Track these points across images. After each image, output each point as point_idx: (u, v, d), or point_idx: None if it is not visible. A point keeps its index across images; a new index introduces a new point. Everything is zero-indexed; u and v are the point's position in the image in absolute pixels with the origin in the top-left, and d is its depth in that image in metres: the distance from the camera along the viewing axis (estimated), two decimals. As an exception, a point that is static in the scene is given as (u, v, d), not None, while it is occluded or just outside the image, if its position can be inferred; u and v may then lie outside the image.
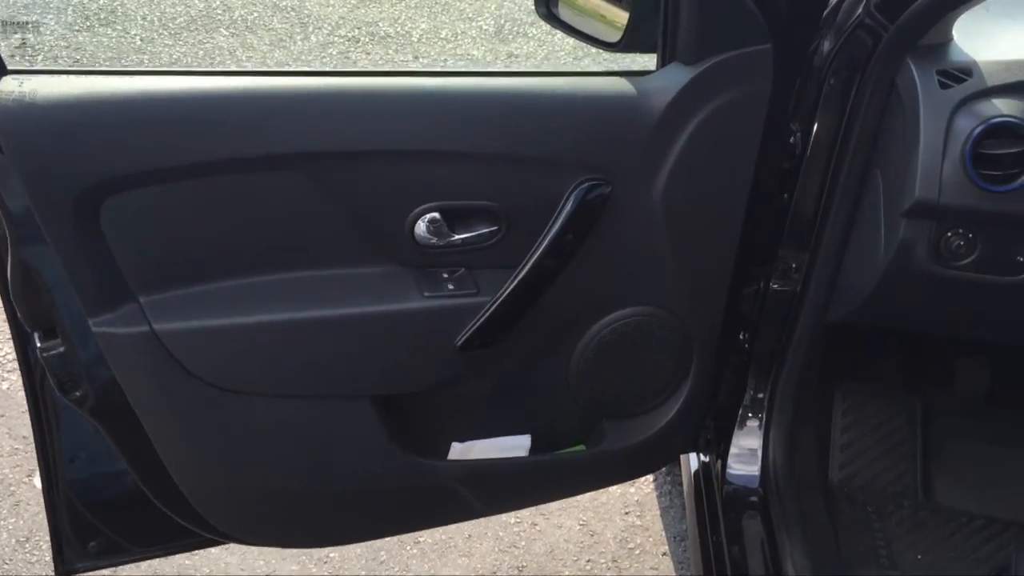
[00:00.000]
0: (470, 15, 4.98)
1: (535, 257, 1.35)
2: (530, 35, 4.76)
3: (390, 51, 4.61)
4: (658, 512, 2.22)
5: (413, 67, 4.46)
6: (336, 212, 1.28)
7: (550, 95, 1.31)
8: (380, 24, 4.85)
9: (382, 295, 1.32)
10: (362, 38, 4.71)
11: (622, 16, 1.40)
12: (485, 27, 4.88)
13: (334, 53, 4.56)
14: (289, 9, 4.95)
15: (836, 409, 1.90)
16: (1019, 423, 1.92)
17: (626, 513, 2.22)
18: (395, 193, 1.29)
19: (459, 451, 1.51)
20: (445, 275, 1.36)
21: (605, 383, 1.53)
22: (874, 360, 1.96)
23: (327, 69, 1.29)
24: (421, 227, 1.32)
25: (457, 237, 1.34)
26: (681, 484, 2.03)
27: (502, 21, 4.92)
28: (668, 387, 1.57)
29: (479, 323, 1.35)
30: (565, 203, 1.33)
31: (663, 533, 2.17)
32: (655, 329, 1.49)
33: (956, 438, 1.90)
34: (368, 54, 4.57)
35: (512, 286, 1.36)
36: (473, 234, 1.34)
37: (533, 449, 1.56)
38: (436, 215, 1.31)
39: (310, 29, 4.78)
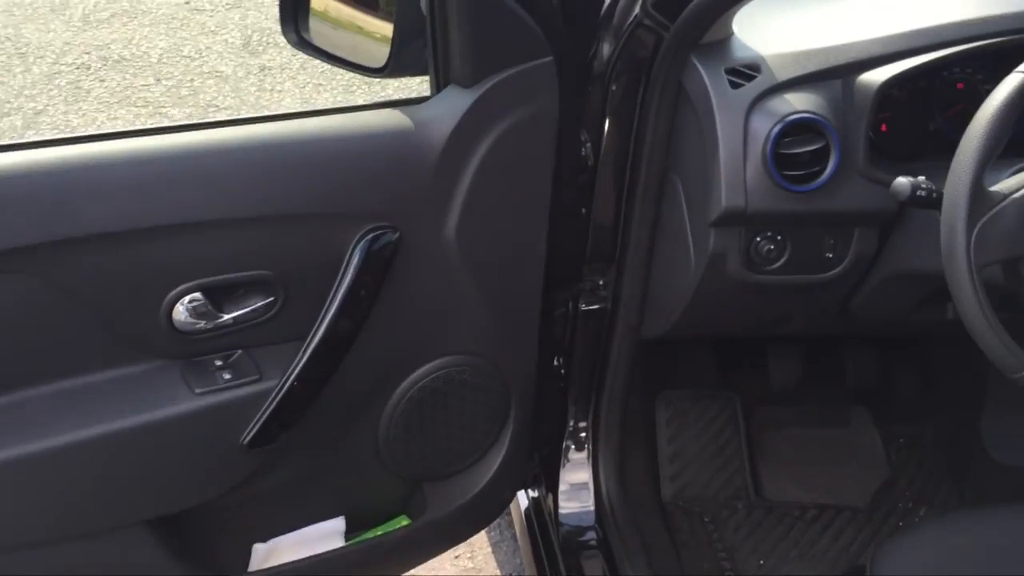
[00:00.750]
0: (212, 28, 4.62)
1: (325, 323, 1.17)
2: (281, 44, 4.46)
3: (128, 75, 4.19)
4: (489, 550, 2.09)
5: (153, 90, 4.09)
6: (71, 310, 1.04)
7: (317, 139, 1.13)
8: (112, 47, 4.41)
9: (143, 401, 1.10)
10: (93, 64, 4.26)
11: (387, 36, 1.23)
12: (231, 40, 4.54)
13: (63, 84, 4.09)
14: (2, 38, 4.41)
15: (659, 420, 1.84)
16: (831, 405, 1.93)
17: (456, 556, 2.07)
18: (143, 277, 1.07)
19: (262, 554, 1.30)
20: (219, 363, 1.15)
21: (419, 446, 1.37)
22: (689, 362, 1.91)
23: (33, 140, 1.04)
24: (181, 311, 1.10)
25: (227, 316, 1.13)
26: (509, 515, 1.91)
27: (249, 32, 4.60)
28: (488, 436, 1.43)
29: (267, 412, 1.15)
30: (350, 259, 1.16)
31: (498, 571, 2.04)
32: (467, 378, 1.35)
33: (776, 428, 1.89)
34: (103, 81, 4.13)
35: (303, 361, 1.17)
36: (246, 310, 1.14)
37: (349, 532, 1.38)
38: (197, 295, 1.10)
39: (31, 59, 4.27)
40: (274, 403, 1.15)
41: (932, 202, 1.12)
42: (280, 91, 4.16)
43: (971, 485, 1.80)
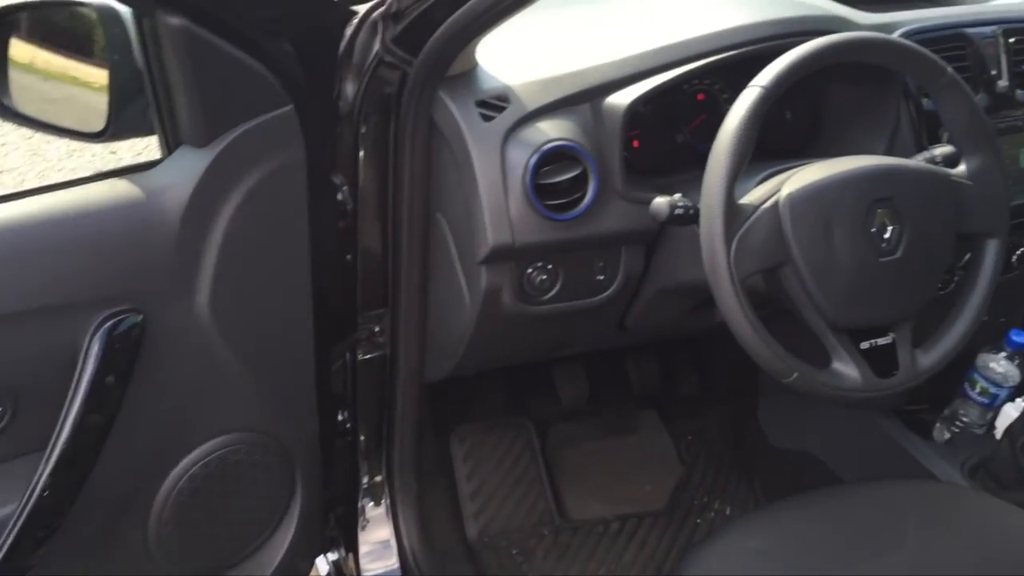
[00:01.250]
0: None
1: (67, 426, 1.03)
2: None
3: None
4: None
5: None
6: None
7: (32, 224, 0.99)
8: None
9: None
10: None
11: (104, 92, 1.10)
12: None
13: None
14: None
15: (456, 457, 1.79)
16: (620, 413, 1.96)
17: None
18: None
19: None
20: None
21: (197, 538, 1.25)
22: (479, 394, 1.88)
23: None
24: None
25: (-58, 441, 0.98)
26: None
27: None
28: (276, 513, 1.33)
29: (9, 542, 1.00)
30: (88, 351, 1.03)
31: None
32: (243, 457, 1.24)
33: (572, 445, 1.90)
34: None
35: (45, 473, 1.03)
36: None
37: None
38: (-100, 422, 0.94)
39: None
40: (16, 529, 1.00)
41: (690, 218, 1.13)
42: (2, 144, 3.79)
43: (757, 472, 1.88)
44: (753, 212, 1.08)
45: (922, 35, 1.39)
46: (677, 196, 1.15)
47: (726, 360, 1.94)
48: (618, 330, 1.47)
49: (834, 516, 1.21)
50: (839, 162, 1.14)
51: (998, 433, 1.54)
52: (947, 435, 1.59)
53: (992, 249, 1.20)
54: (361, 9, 1.21)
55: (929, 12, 1.47)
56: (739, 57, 1.27)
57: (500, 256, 1.23)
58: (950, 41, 1.40)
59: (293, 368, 1.27)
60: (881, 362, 1.13)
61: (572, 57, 1.27)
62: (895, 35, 1.37)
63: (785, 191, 1.09)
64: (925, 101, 1.37)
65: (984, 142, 1.18)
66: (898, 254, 1.11)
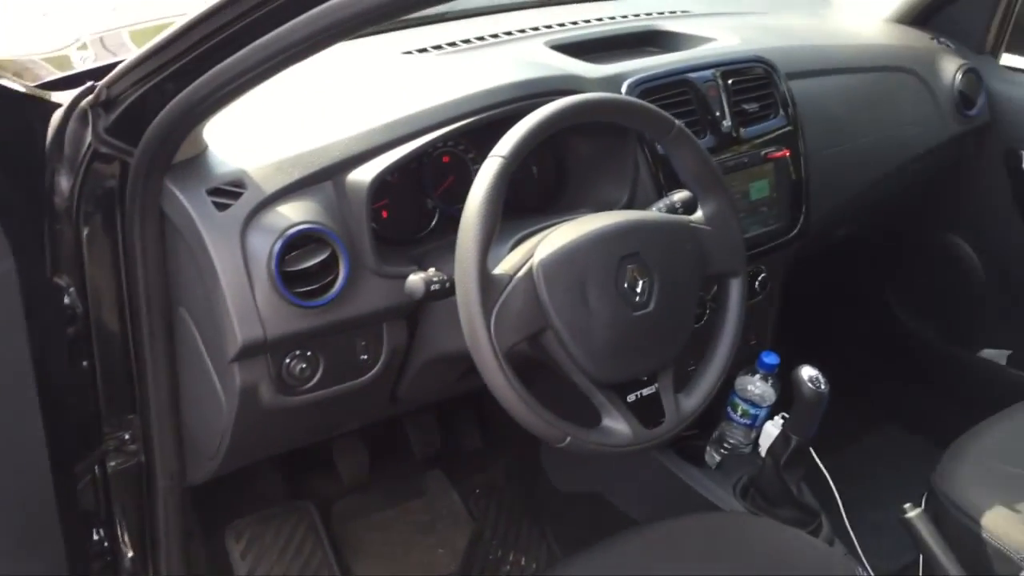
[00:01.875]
0: None
1: None
2: None
3: None
4: None
5: None
6: None
7: None
8: None
9: None
10: None
11: None
12: None
13: None
14: None
15: (233, 555, 1.67)
16: (405, 478, 1.91)
17: None
18: None
19: None
20: None
21: None
22: (252, 484, 1.77)
23: None
24: None
25: None
26: None
27: None
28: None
29: None
30: None
31: None
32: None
33: (358, 519, 1.82)
34: None
35: None
36: None
37: None
38: None
39: None
40: None
41: (447, 292, 1.11)
42: None
43: (548, 519, 1.88)
44: (509, 282, 1.07)
45: (648, 84, 1.44)
46: (431, 271, 1.12)
47: (503, 410, 1.94)
48: (390, 402, 1.43)
49: (620, 565, 1.21)
50: (586, 221, 1.15)
51: (762, 451, 1.62)
52: (717, 458, 1.65)
53: (735, 287, 1.26)
54: (65, 99, 1.10)
55: (653, 60, 1.53)
56: (481, 122, 1.26)
57: (252, 352, 1.14)
58: (675, 87, 1.47)
59: (28, 497, 1.13)
60: (648, 413, 1.16)
61: (309, 134, 1.21)
62: (623, 86, 1.42)
63: (537, 257, 1.09)
64: (659, 147, 1.42)
65: (715, 188, 1.23)
66: (650, 307, 1.13)
